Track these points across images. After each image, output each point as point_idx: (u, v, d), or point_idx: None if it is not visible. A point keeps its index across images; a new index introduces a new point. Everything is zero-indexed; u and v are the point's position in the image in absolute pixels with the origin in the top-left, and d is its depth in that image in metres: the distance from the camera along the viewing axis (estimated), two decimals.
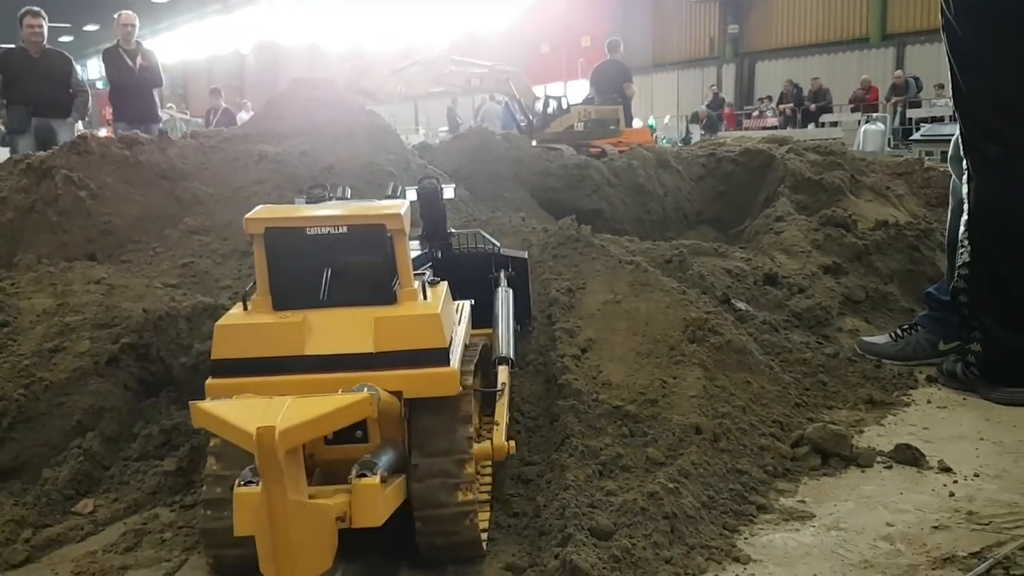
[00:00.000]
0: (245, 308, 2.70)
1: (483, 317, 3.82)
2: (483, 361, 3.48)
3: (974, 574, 2.86)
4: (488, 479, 3.25)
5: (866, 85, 33.44)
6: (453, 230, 4.11)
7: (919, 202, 9.02)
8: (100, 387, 4.22)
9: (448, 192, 3.93)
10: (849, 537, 3.22)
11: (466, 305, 3.43)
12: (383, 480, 2.25)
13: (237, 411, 2.05)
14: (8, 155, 12.02)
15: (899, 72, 33.35)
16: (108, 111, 16.23)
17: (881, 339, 5.55)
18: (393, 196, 3.61)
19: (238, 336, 2.57)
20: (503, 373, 3.58)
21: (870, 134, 24.51)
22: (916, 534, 3.22)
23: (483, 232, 4.35)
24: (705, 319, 4.84)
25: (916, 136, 23.62)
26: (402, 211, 2.68)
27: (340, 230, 2.64)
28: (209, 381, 2.54)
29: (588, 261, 5.74)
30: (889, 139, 25.69)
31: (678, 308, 4.99)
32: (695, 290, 5.39)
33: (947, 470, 3.80)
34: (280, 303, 2.67)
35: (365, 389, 2.24)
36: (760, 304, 5.90)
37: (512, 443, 3.01)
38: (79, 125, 13.13)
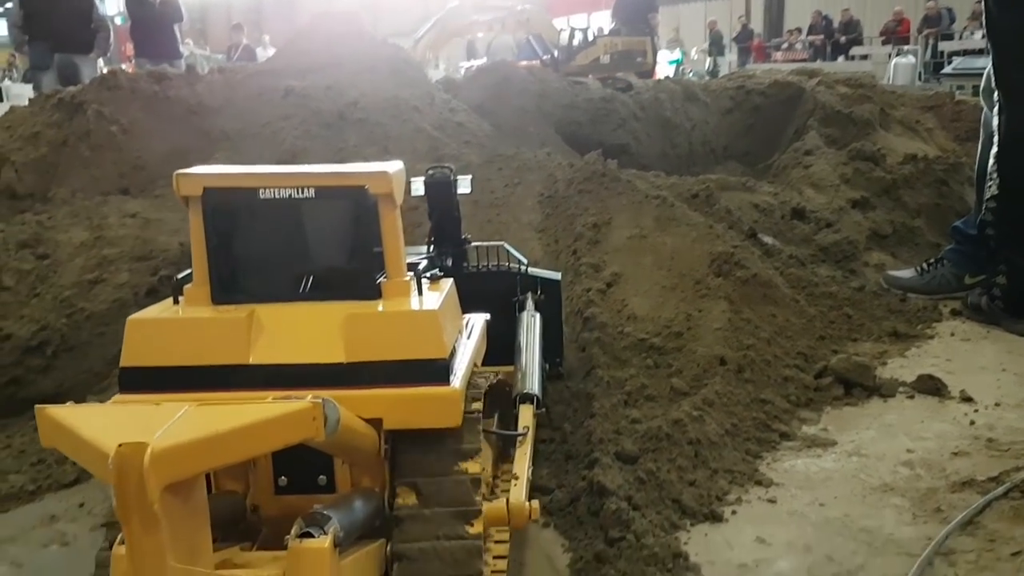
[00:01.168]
0: (175, 300, 2.07)
1: (503, 351, 3.11)
2: (500, 398, 2.87)
3: (991, 496, 2.94)
4: (502, 553, 2.39)
5: (898, 17, 32.58)
6: (470, 237, 3.34)
7: (948, 136, 8.90)
8: None
9: (464, 185, 3.14)
10: (870, 463, 3.30)
11: (479, 319, 2.66)
12: (337, 544, 1.58)
13: (100, 421, 1.41)
14: (32, 91, 12.08)
15: (932, 3, 32.42)
16: (128, 47, 16.17)
17: (907, 273, 5.57)
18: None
19: (158, 336, 1.91)
20: (526, 414, 2.83)
21: (900, 67, 24.00)
22: (936, 460, 3.30)
23: (508, 245, 3.58)
24: (731, 253, 4.87)
25: (947, 70, 23.10)
26: (391, 171, 2.02)
27: (305, 193, 1.98)
28: (116, 397, 1.88)
29: (614, 196, 5.77)
30: (920, 72, 25.15)
31: (704, 242, 5.02)
32: (722, 224, 5.41)
33: (968, 400, 3.86)
34: (221, 294, 2.03)
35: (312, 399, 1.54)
36: (787, 238, 5.92)
37: (535, 504, 2.22)
38: (100, 62, 13.15)
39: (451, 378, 1.93)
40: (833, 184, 6.76)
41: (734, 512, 2.96)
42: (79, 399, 4.02)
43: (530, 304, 3.44)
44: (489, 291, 3.27)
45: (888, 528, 2.82)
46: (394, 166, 2.09)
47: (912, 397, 3.94)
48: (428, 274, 2.27)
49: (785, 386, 4.01)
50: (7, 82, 21.47)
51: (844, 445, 3.47)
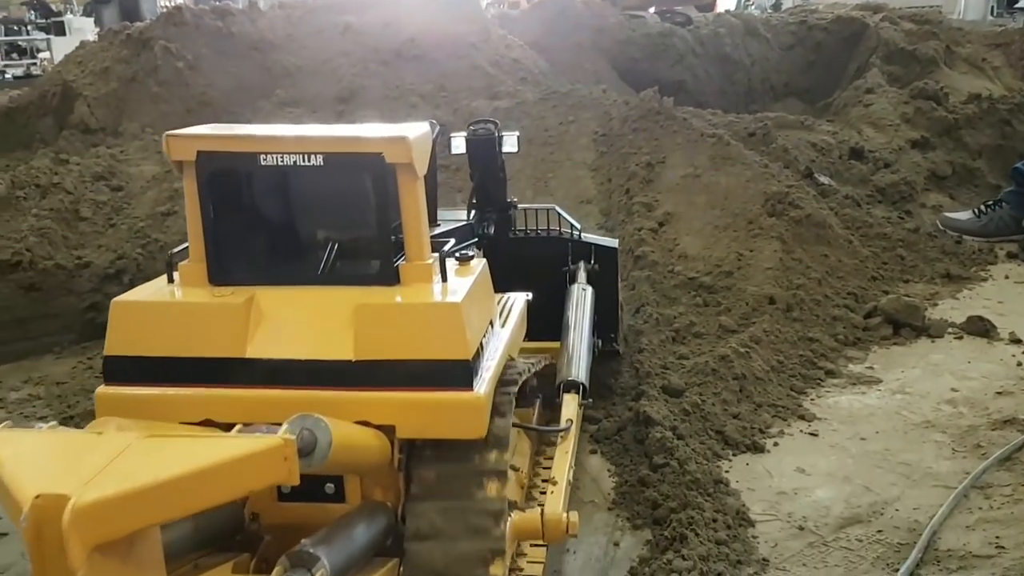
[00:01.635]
0: (170, 279, 1.84)
1: (553, 326, 2.93)
2: (542, 385, 2.64)
3: None
4: (539, 558, 2.08)
5: None
6: (516, 201, 3.13)
7: (1016, 75, 8.64)
8: None
9: (510, 143, 2.91)
10: (913, 400, 3.37)
11: (518, 301, 2.40)
12: None
13: (26, 454, 1.13)
14: (94, 24, 12.30)
15: None
16: None
17: (964, 215, 5.52)
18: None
19: (146, 323, 1.70)
20: (569, 405, 2.53)
21: (972, 1, 23.00)
22: (979, 399, 3.35)
23: (559, 209, 3.27)
24: (785, 193, 4.89)
25: (1023, 3, 22.09)
26: (411, 137, 1.75)
27: (312, 160, 1.72)
28: (100, 389, 1.70)
29: (669, 135, 5.78)
30: (993, 7, 24.07)
31: (759, 182, 5.04)
32: (777, 164, 5.40)
33: (1017, 342, 3.88)
34: (219, 273, 1.79)
35: (289, 427, 1.30)
36: (844, 179, 5.88)
37: (574, 518, 1.90)
38: None
39: (475, 382, 1.65)
40: (893, 123, 6.65)
41: (776, 444, 3.07)
42: None
43: (582, 275, 3.17)
44: (537, 259, 3.11)
45: (927, 462, 2.91)
46: (417, 129, 1.82)
47: (960, 338, 3.97)
48: (458, 252, 2.01)
49: (833, 325, 4.07)
50: (69, 15, 21.88)
51: (889, 383, 3.54)
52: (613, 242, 3.35)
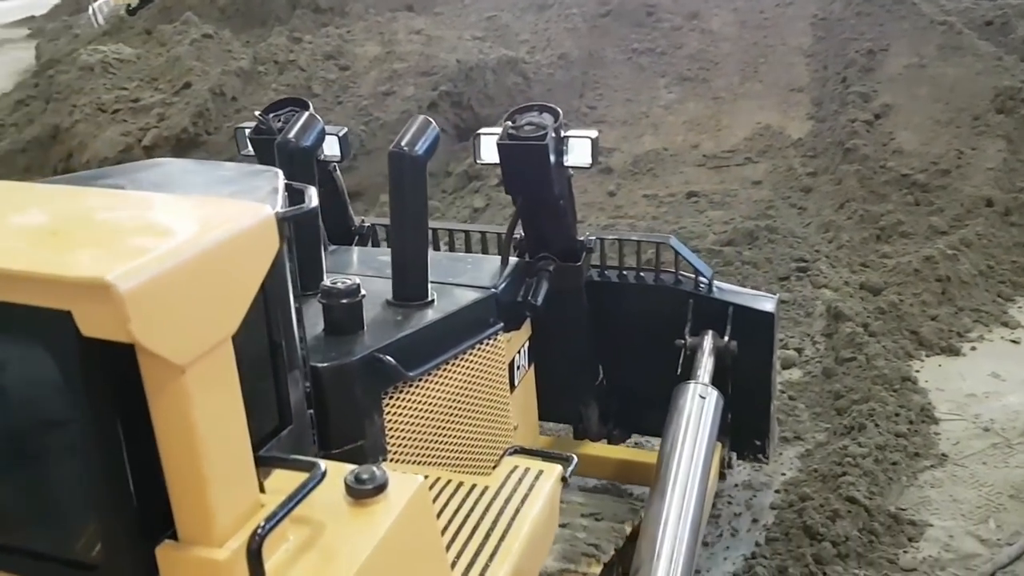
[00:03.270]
0: None
1: (648, 420, 2.12)
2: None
3: None
4: None
5: None
6: (592, 240, 2.01)
7: None
8: None
9: (579, 153, 1.83)
10: None
11: (548, 480, 1.53)
12: None
13: None
14: None
15: None
16: None
17: None
18: (405, 151, 1.69)
19: None
20: None
21: None
22: None
23: (677, 242, 2.12)
24: (1019, 88, 4.52)
25: None
26: (152, 269, 0.84)
27: None
28: None
29: (895, 20, 5.44)
30: None
31: (990, 75, 4.68)
32: (1013, 56, 4.97)
33: None
34: None
35: None
36: None
37: None
38: None
39: None
40: None
41: (973, 348, 3.01)
42: (373, 198, 4.64)
43: (705, 361, 1.99)
44: (633, 318, 2.08)
45: None
46: (174, 247, 0.89)
47: None
48: (352, 475, 1.08)
49: None
50: None
51: None
52: (768, 302, 2.12)
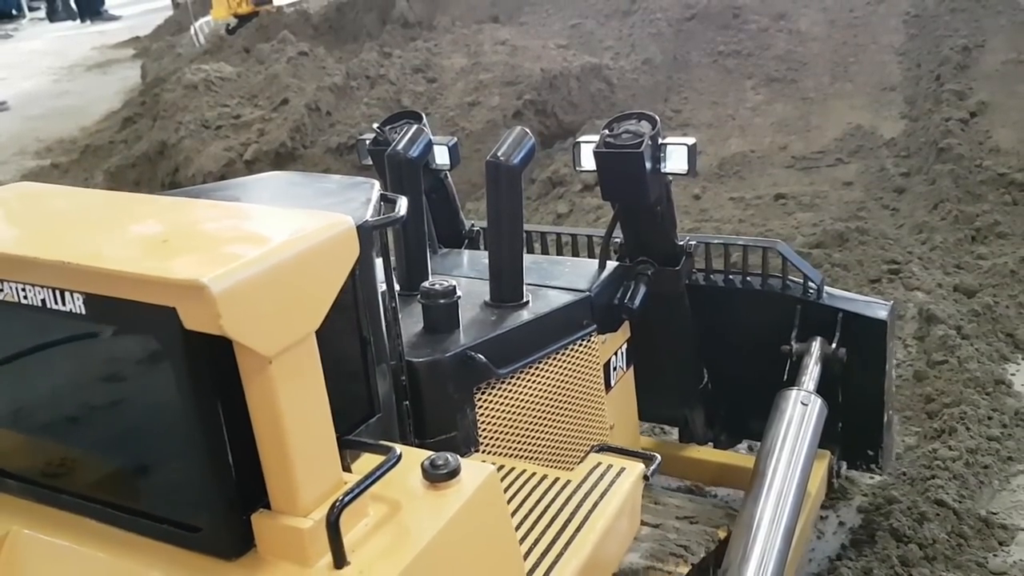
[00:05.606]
0: None
1: (750, 429, 2.15)
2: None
3: None
4: None
5: None
6: (691, 243, 2.02)
7: None
8: None
9: (676, 159, 1.84)
10: None
11: (628, 477, 1.57)
12: None
13: None
14: None
15: None
16: None
17: None
18: (501, 160, 1.73)
19: None
20: None
21: None
22: None
23: (786, 247, 2.12)
24: None
25: None
26: (241, 274, 0.99)
27: (68, 303, 1.04)
28: None
29: (992, 15, 5.29)
30: None
31: None
32: None
33: None
34: None
35: None
36: None
37: None
38: None
39: None
40: None
41: None
42: (460, 204, 4.75)
43: (811, 368, 1.99)
44: (740, 323, 2.09)
45: None
46: (262, 254, 1.03)
47: None
48: (429, 460, 1.18)
49: None
50: None
51: None
52: (881, 309, 2.08)
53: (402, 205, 1.31)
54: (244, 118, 5.22)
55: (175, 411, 1.03)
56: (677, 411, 2.17)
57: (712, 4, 6.09)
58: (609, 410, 1.92)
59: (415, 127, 1.86)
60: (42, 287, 1.03)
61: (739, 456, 2.22)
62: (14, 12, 13.43)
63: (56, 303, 1.03)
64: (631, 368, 2.03)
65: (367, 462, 1.12)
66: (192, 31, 8.30)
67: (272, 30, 6.82)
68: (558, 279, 1.89)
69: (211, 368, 1.01)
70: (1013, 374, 2.78)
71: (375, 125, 1.99)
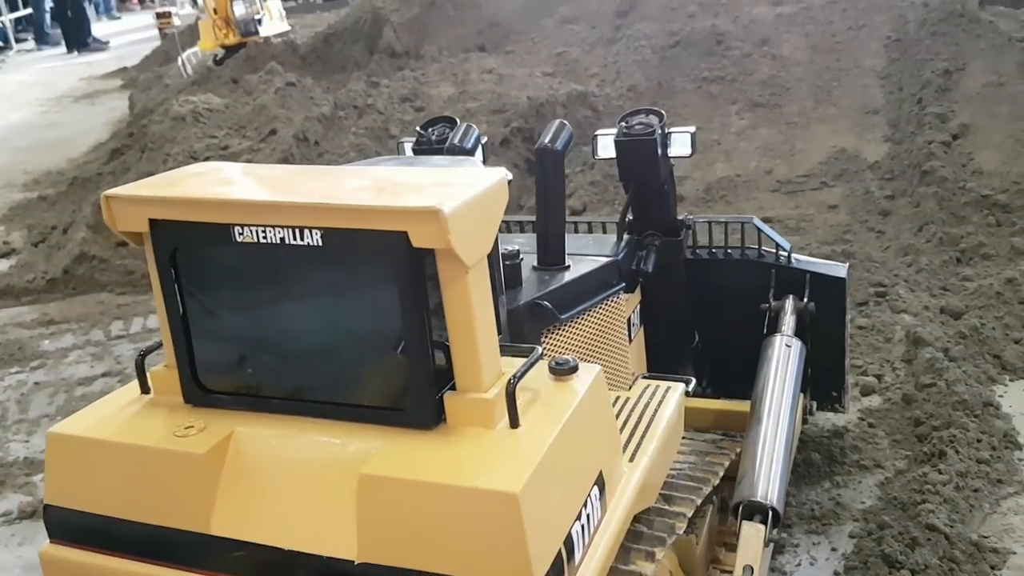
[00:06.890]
0: (143, 386, 1.43)
1: (740, 381, 2.39)
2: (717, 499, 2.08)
3: None
4: None
5: None
6: (691, 218, 2.44)
7: None
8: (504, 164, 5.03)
9: (680, 144, 2.25)
10: None
11: (671, 398, 1.82)
12: None
13: None
14: None
15: None
16: None
17: None
18: (548, 146, 2.02)
19: (88, 465, 1.30)
20: (750, 541, 1.86)
21: None
22: None
23: (760, 222, 2.52)
24: None
25: None
26: (447, 209, 1.20)
27: (307, 238, 1.24)
28: (44, 548, 1.33)
29: (971, 39, 5.35)
30: None
31: None
32: None
33: None
34: (194, 392, 1.38)
35: None
36: None
37: None
38: None
39: None
40: None
41: None
42: None
43: (788, 319, 2.38)
44: (723, 289, 2.45)
45: None
46: (466, 188, 1.28)
47: None
48: (554, 362, 1.45)
49: None
50: None
51: None
52: (840, 269, 2.50)
53: (503, 172, 1.52)
54: (232, 149, 5.24)
55: (394, 318, 1.26)
56: (673, 367, 2.40)
57: (696, 31, 6.17)
58: (631, 359, 2.24)
59: (465, 125, 2.18)
60: (282, 227, 1.24)
61: (734, 403, 2.43)
62: (1, 44, 13.46)
63: (295, 239, 1.24)
64: (642, 327, 2.36)
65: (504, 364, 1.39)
66: (180, 62, 8.33)
67: (260, 61, 6.86)
68: (587, 248, 2.22)
69: (422, 280, 1.25)
70: (1001, 396, 2.79)
71: (418, 128, 2.25)
